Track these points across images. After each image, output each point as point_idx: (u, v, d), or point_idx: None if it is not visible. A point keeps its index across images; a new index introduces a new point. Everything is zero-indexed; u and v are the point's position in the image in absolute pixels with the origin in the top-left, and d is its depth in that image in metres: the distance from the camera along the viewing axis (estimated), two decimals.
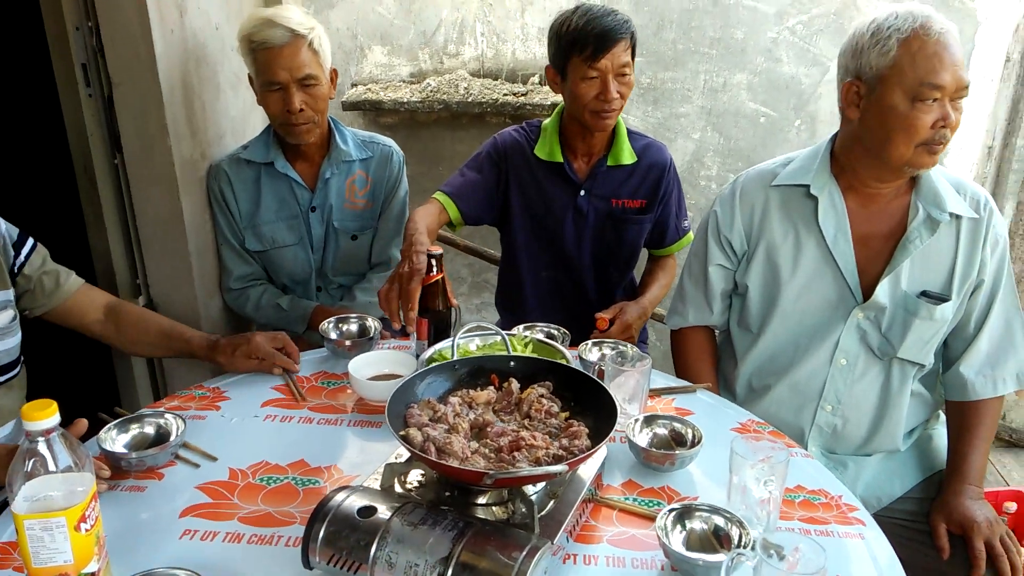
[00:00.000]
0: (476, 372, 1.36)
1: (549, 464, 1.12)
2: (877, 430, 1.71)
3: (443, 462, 1.11)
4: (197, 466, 1.36)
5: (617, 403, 1.21)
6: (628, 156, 2.07)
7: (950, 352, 1.71)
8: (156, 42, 1.96)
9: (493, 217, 2.18)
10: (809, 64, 3.35)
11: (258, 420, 1.52)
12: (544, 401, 1.28)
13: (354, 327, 1.83)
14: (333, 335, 1.79)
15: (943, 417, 1.81)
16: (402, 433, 1.16)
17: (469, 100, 3.52)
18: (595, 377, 1.31)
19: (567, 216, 2.08)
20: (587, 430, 1.20)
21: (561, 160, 2.05)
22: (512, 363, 1.37)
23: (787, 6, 3.17)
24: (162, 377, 2.31)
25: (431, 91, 3.57)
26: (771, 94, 3.41)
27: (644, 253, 2.29)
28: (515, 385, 1.32)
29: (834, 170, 1.68)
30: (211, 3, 2.25)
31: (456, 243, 3.12)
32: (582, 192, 2.06)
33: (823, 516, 1.27)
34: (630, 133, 2.10)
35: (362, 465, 1.37)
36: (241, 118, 2.56)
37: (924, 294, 1.62)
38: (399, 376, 1.58)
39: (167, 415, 1.40)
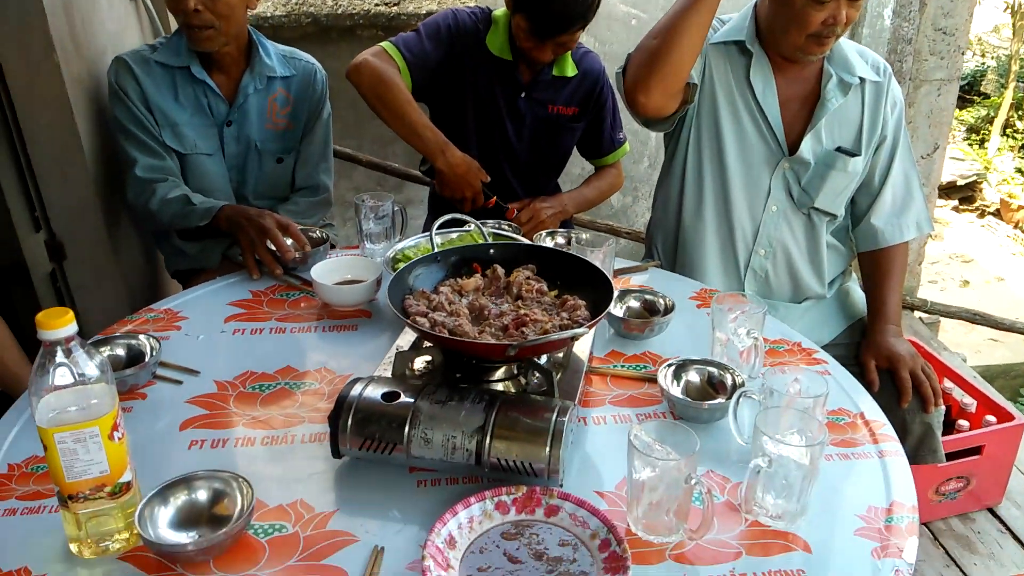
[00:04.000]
0: (459, 263, 1.38)
1: None
2: (802, 275, 1.88)
3: (464, 339, 1.13)
4: (179, 382, 1.31)
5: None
6: (571, 68, 2.08)
7: (858, 207, 1.88)
8: None
9: (429, 95, 2.11)
10: None
11: (227, 335, 1.47)
12: (532, 282, 1.32)
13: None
14: None
15: (854, 276, 2.01)
16: (410, 321, 1.17)
17: (339, 12, 3.38)
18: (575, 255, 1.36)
19: (506, 115, 2.07)
20: (583, 302, 1.26)
21: (511, 59, 2.02)
22: (492, 251, 1.39)
23: None
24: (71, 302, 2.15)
25: (296, 4, 3.40)
26: None
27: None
28: (500, 270, 1.35)
29: (758, 35, 1.79)
30: None
31: (359, 159, 3.05)
32: (523, 94, 2.06)
33: (791, 360, 1.40)
34: None
35: (352, 366, 1.37)
36: (118, 33, 2.36)
37: (839, 149, 1.78)
38: (362, 281, 1.57)
39: (140, 336, 1.34)
